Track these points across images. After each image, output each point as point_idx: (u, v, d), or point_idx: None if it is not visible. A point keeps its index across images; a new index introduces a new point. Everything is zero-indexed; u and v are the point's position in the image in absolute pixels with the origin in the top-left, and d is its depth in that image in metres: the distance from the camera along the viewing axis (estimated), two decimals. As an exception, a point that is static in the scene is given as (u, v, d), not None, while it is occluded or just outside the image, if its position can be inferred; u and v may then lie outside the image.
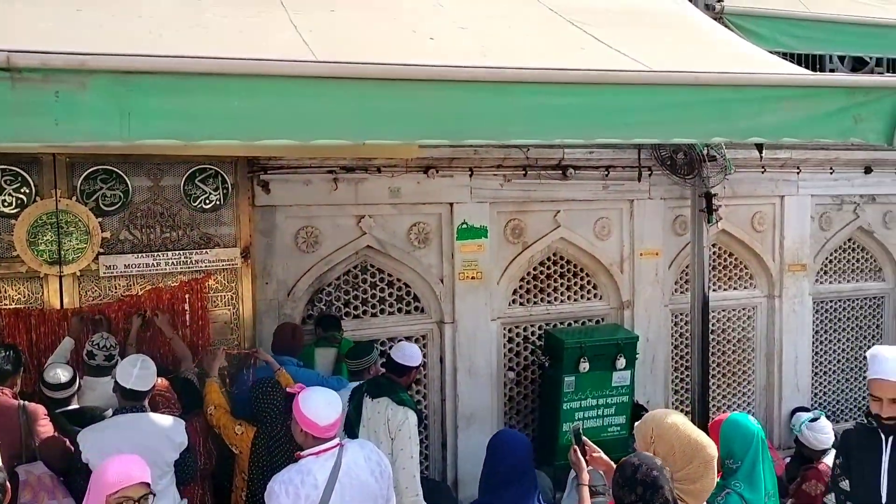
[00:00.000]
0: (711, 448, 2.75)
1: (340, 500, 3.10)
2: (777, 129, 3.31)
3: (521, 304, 6.10)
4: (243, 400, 4.36)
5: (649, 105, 3.07)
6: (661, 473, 2.44)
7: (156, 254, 4.84)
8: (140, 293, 4.79)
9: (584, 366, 5.52)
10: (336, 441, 3.22)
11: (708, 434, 2.92)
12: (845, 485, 3.37)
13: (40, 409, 3.93)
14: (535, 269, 6.12)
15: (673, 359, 6.63)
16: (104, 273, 4.72)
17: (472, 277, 5.76)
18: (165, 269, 4.86)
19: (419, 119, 2.78)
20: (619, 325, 6.25)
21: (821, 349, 7.31)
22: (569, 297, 6.24)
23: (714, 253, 6.64)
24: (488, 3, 4.02)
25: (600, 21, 3.88)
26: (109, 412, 3.89)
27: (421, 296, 5.77)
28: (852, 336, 7.46)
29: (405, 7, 3.79)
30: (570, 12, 3.98)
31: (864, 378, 7.02)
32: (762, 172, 6.61)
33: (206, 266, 4.97)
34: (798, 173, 6.82)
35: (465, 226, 5.70)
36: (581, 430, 3.05)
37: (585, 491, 2.87)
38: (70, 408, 4.08)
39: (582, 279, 6.29)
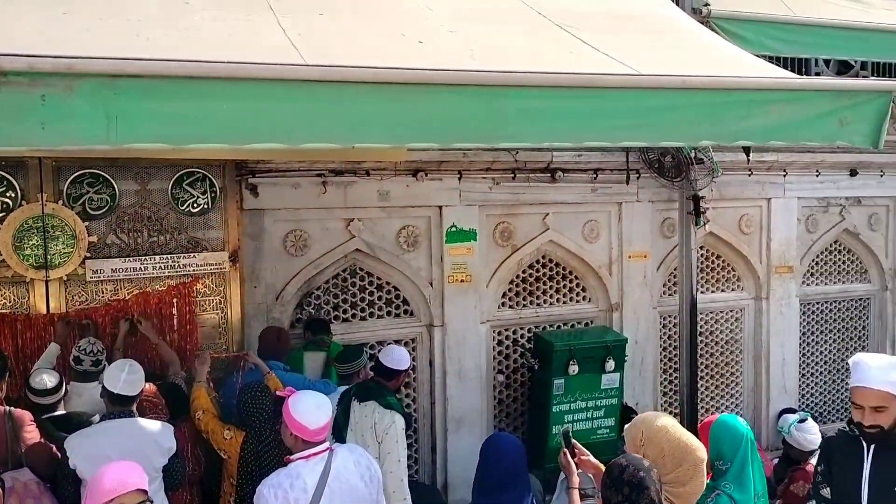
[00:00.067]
0: (701, 451, 2.77)
1: (330, 504, 3.08)
2: (764, 133, 3.34)
3: (510, 306, 6.10)
4: (232, 404, 4.34)
5: (638, 108, 3.08)
6: (647, 474, 2.45)
7: (143, 258, 4.81)
8: (127, 298, 4.76)
9: (574, 368, 5.53)
10: (326, 445, 3.20)
11: (697, 436, 2.94)
12: (826, 492, 3.30)
13: (26, 415, 3.89)
14: (524, 271, 6.12)
15: (662, 361, 6.65)
16: (91, 277, 4.69)
17: (462, 280, 5.76)
18: (153, 274, 4.83)
19: (408, 122, 2.77)
20: (608, 327, 6.27)
21: (808, 350, 7.35)
22: (558, 300, 6.25)
23: (702, 255, 6.67)
24: (478, 6, 4.02)
25: (589, 25, 3.89)
26: (97, 418, 3.85)
27: (410, 299, 5.76)
28: (839, 337, 7.51)
29: (394, 10, 3.79)
30: (558, 16, 3.98)
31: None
32: (749, 175, 6.65)
33: (193, 270, 4.94)
34: (784, 176, 6.87)
35: (454, 229, 5.70)
36: (570, 433, 3.07)
37: (575, 494, 2.88)
38: (56, 413, 4.04)
39: (571, 282, 6.31)
